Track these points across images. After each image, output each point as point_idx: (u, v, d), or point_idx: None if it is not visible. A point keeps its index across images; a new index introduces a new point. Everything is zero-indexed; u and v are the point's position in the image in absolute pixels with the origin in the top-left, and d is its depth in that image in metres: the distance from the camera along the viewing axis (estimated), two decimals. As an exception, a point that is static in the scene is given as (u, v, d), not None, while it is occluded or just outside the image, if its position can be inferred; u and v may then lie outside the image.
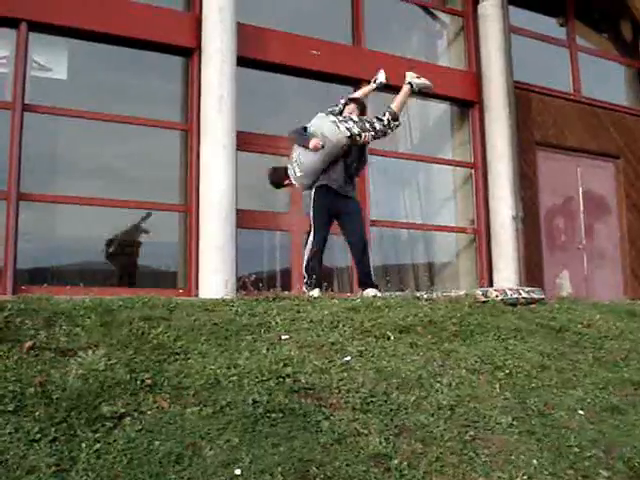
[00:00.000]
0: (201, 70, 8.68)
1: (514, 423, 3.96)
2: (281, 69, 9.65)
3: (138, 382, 3.76)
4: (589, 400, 4.46)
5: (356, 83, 10.10)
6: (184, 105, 8.96)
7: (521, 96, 11.36)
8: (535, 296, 6.79)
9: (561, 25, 13.00)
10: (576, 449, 3.81)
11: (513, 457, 3.63)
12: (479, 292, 6.57)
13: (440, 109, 11.46)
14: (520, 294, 6.76)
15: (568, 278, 11.63)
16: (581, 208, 12.22)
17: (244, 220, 8.76)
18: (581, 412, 4.27)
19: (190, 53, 8.90)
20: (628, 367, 5.15)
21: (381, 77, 7.62)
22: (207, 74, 8.61)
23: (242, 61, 8.85)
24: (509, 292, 6.71)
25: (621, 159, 12.73)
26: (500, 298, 6.40)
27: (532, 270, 10.83)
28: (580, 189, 12.25)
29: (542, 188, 11.64)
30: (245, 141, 8.93)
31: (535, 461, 3.62)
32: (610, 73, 13.67)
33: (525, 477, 3.47)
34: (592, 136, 12.36)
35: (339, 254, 9.98)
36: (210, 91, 8.57)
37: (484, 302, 6.22)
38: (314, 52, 9.74)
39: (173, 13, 9.03)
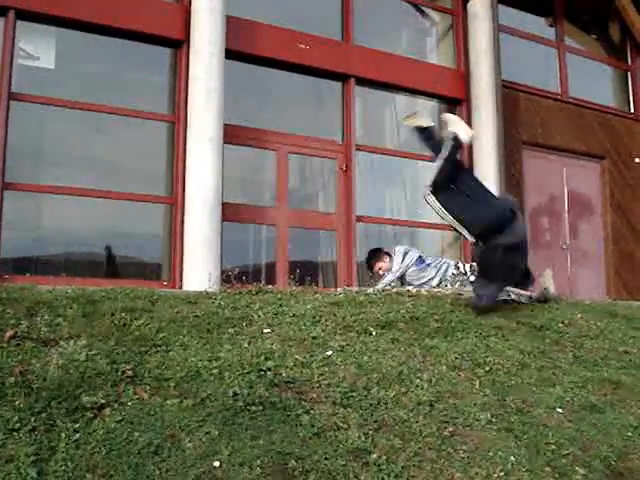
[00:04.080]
0: (189, 62, 8.65)
1: (493, 420, 3.99)
2: (270, 63, 9.63)
3: (119, 373, 3.77)
4: (568, 398, 4.49)
5: (344, 78, 10.14)
6: (171, 97, 8.93)
7: (509, 95, 11.40)
8: (523, 300, 6.81)
9: (550, 25, 13.04)
10: (553, 447, 3.85)
11: (491, 453, 3.66)
12: (466, 289, 6.60)
13: (428, 106, 11.47)
14: (509, 296, 6.79)
15: (551, 277, 11.66)
16: (566, 208, 12.28)
17: (230, 213, 8.75)
18: (560, 410, 4.30)
19: (179, 45, 8.87)
20: (607, 366, 5.18)
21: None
22: (195, 67, 8.58)
23: (231, 54, 8.82)
24: None
25: (606, 160, 12.80)
26: None
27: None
28: (565, 189, 12.32)
29: (528, 187, 11.69)
30: (232, 134, 8.91)
31: (512, 458, 3.65)
32: (598, 74, 13.73)
33: (502, 473, 3.49)
34: (578, 136, 12.42)
35: (323, 249, 10.03)
36: (198, 84, 8.54)
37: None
38: (303, 46, 9.74)
39: (162, 4, 8.99)
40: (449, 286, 7.29)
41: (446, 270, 7.69)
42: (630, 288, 12.42)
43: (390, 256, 7.95)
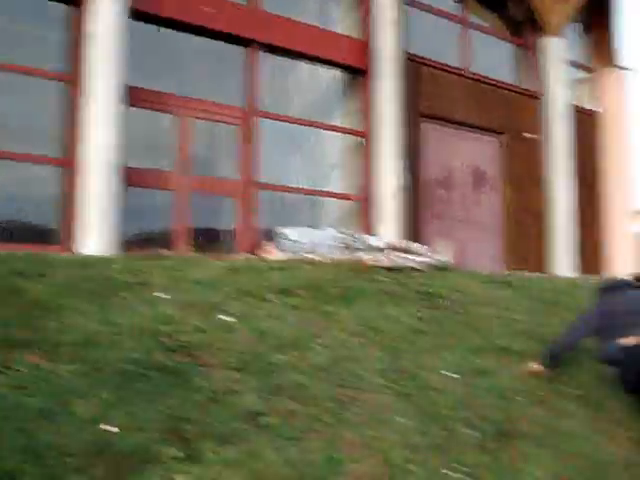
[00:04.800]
0: (89, 20, 8.38)
1: (388, 384, 4.08)
2: (174, 25, 9.42)
3: (12, 338, 3.67)
4: (460, 363, 4.63)
5: (248, 44, 10.04)
6: (69, 55, 8.63)
7: (412, 68, 11.51)
8: (421, 268, 7.00)
9: (456, 1, 13.19)
10: (447, 410, 3.97)
11: (386, 417, 3.75)
12: (368, 257, 6.71)
13: (331, 75, 11.48)
14: (407, 261, 6.97)
15: (449, 247, 11.96)
16: (464, 181, 12.55)
17: (130, 178, 8.58)
18: (452, 375, 4.44)
19: (78, 2, 8.58)
20: (499, 333, 5.37)
21: None
22: (95, 24, 8.32)
23: (134, 14, 8.59)
24: (397, 259, 6.91)
25: (505, 135, 13.13)
26: (387, 265, 6.60)
27: (413, 239, 11.07)
28: (464, 162, 12.57)
29: (427, 159, 11.88)
30: (133, 96, 8.70)
31: (408, 421, 3.75)
32: (499, 51, 14.02)
33: (397, 436, 3.59)
34: (478, 111, 12.67)
35: (223, 215, 9.96)
36: (97, 42, 8.28)
37: (376, 267, 6.37)
38: (208, 9, 9.57)
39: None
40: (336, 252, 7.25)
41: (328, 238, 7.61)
42: (525, 259, 12.83)
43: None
